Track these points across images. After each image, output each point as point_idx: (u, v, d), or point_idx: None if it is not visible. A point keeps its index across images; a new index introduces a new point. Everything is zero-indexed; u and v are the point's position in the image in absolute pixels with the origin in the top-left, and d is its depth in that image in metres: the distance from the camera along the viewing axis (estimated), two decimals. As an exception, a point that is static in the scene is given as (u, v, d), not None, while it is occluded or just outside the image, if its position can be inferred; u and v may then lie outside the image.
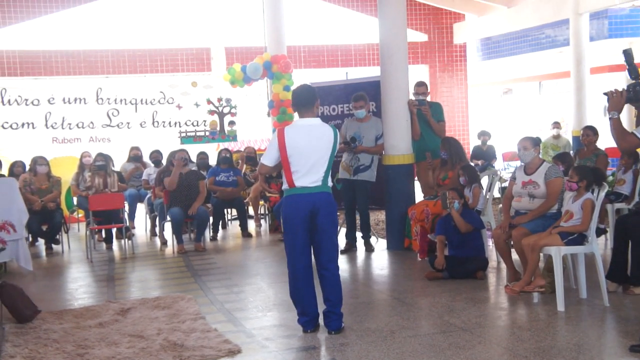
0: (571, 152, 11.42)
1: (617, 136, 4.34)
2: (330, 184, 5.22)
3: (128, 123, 13.54)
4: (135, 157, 11.66)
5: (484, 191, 7.54)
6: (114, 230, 9.85)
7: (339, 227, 5.36)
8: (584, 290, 5.75)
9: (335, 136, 5.19)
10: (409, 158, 8.41)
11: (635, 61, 4.43)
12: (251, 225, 10.86)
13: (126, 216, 9.77)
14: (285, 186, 5.22)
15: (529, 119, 19.26)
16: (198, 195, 9.19)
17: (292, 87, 13.29)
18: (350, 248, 8.50)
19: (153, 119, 13.64)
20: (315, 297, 5.22)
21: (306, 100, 5.18)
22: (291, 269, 5.24)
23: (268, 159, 5.22)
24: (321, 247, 5.16)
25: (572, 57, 13.96)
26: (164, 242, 9.58)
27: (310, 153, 5.08)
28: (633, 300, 5.62)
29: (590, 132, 8.73)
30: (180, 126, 13.64)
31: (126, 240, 9.16)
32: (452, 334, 4.99)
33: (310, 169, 5.10)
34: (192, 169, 9.60)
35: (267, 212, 10.92)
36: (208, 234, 9.91)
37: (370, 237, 8.68)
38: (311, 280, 5.21)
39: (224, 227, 11.02)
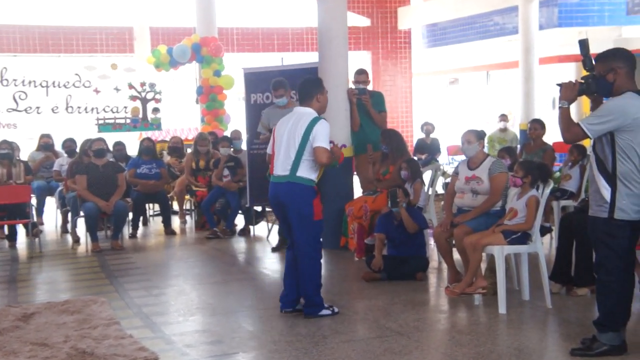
0: (518, 146, 11.71)
1: (563, 127, 4.46)
2: (305, 174, 5.49)
3: (38, 108, 13.14)
4: (45, 145, 11.33)
5: (426, 187, 7.64)
6: (18, 227, 9.54)
7: (302, 220, 5.56)
8: (526, 291, 5.90)
9: (312, 124, 5.47)
10: (347, 151, 8.44)
11: (591, 51, 4.53)
12: (175, 221, 10.73)
13: (34, 211, 9.51)
14: None
15: (475, 111, 19.63)
16: (116, 188, 9.02)
17: (223, 72, 13.22)
18: (282, 245, 8.47)
19: (67, 104, 13.28)
20: (293, 282, 5.67)
21: (306, 91, 5.66)
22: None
23: (268, 147, 5.83)
24: (294, 238, 5.60)
25: (521, 46, 14.30)
26: (77, 240, 9.38)
27: (285, 141, 5.53)
28: (576, 301, 5.79)
29: (538, 126, 8.94)
30: (97, 112, 13.33)
31: (33, 237, 8.89)
32: (388, 339, 5.04)
33: (283, 158, 5.54)
34: (109, 160, 9.40)
35: (193, 208, 10.80)
36: (127, 230, 9.74)
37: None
38: (290, 259, 5.71)
39: (145, 223, 10.87)
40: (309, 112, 5.60)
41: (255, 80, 9.42)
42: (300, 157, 5.48)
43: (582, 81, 4.54)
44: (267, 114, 8.40)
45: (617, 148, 4.33)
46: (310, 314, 5.59)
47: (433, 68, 21.47)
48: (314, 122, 5.49)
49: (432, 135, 13.75)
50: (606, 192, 4.36)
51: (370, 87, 8.94)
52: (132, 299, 6.46)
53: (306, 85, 5.72)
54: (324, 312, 5.63)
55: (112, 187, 9.01)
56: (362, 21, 18.36)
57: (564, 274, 6.01)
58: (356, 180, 8.91)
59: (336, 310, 5.68)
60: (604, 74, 4.43)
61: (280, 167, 5.55)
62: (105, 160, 9.18)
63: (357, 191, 8.81)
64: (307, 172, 5.51)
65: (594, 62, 4.51)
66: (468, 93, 20.64)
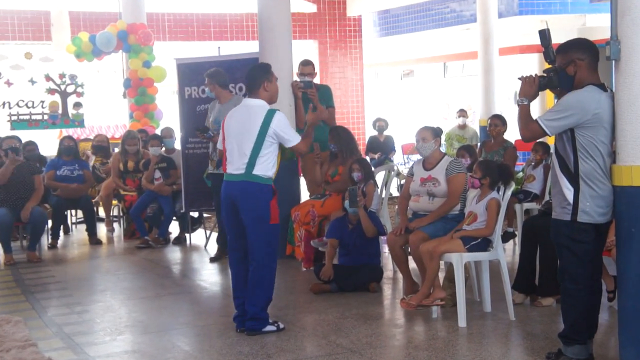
0: (478, 144, 11.90)
1: (521, 124, 4.56)
2: (261, 171, 5.54)
3: (-61, 101, 12.82)
4: (-50, 145, 11.05)
5: (379, 189, 7.70)
6: None
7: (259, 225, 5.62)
8: (488, 302, 6.01)
9: (268, 118, 5.54)
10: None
11: (553, 41, 4.63)
12: (101, 229, 10.62)
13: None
14: None
15: (432, 106, 19.87)
16: (33, 193, 8.86)
17: (153, 63, 13.10)
18: (222, 255, 8.44)
19: (-26, 98, 12.98)
20: (240, 292, 5.68)
21: (252, 79, 5.71)
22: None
23: (219, 142, 5.91)
24: (248, 244, 5.61)
25: (480, 35, 14.50)
26: (-13, 252, 9.19)
27: (238, 137, 5.57)
28: (541, 312, 5.93)
29: (499, 122, 9.11)
30: (10, 107, 13.03)
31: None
32: (338, 357, 5.07)
33: (236, 155, 5.57)
34: (23, 160, 9.23)
35: (121, 214, 10.69)
36: (45, 240, 9.59)
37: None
38: (240, 273, 5.72)
39: (67, 232, 10.75)
40: (259, 105, 5.64)
41: (190, 72, 9.37)
42: (256, 154, 5.52)
43: (544, 74, 4.63)
44: (210, 109, 8.39)
45: (579, 146, 4.41)
46: (253, 330, 5.59)
47: (386, 59, 21.65)
48: (269, 115, 5.55)
49: (385, 133, 13.90)
50: (569, 193, 4.45)
51: (317, 80, 8.97)
52: (52, 317, 6.37)
53: (252, 73, 5.77)
54: (269, 327, 5.63)
55: (28, 192, 8.85)
56: (308, 7, 18.40)
57: (527, 283, 6.14)
58: (302, 182, 8.93)
59: (282, 326, 5.69)
60: (564, 67, 4.54)
61: (234, 165, 5.59)
62: (20, 161, 9.00)
63: (304, 195, 8.83)
64: (263, 169, 5.55)
65: (555, 54, 4.61)
66: (424, 86, 20.86)
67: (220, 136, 5.86)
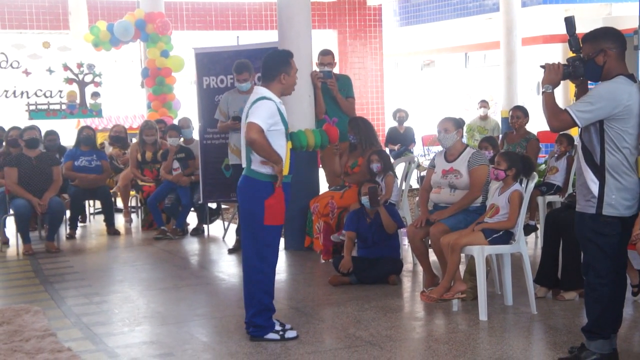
0: (500, 135, 11.86)
1: (549, 113, 4.50)
2: (257, 167, 5.22)
3: (-42, 91, 12.95)
4: (-31, 134, 11.16)
5: (399, 181, 7.70)
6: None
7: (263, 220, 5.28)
8: (509, 296, 5.99)
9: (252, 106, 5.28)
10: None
11: (577, 31, 4.59)
12: (119, 220, 10.68)
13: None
14: None
15: (453, 97, 19.81)
16: (51, 183, 8.93)
17: (171, 53, 13.15)
18: (240, 247, 8.47)
19: (-8, 87, 13.10)
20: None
21: (269, 68, 5.36)
22: None
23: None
24: (241, 242, 5.53)
25: (502, 25, 14.46)
26: (6, 242, 9.30)
27: (242, 128, 5.29)
28: (563, 307, 5.90)
29: (520, 114, 9.02)
30: (28, 97, 13.15)
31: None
32: (358, 350, 5.08)
33: (243, 148, 5.36)
34: (42, 151, 9.31)
35: (139, 205, 10.74)
36: (64, 230, 9.66)
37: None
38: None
39: (84, 222, 10.78)
40: (259, 93, 5.28)
41: (208, 62, 9.38)
42: (249, 149, 5.26)
43: (568, 63, 4.59)
44: (225, 99, 8.40)
45: (607, 138, 4.38)
46: (254, 336, 5.31)
47: (406, 49, 21.60)
48: (253, 103, 5.22)
49: (405, 124, 13.86)
50: (594, 185, 4.42)
51: (336, 70, 8.97)
52: (70, 307, 6.41)
53: (270, 61, 5.36)
54: (271, 335, 5.26)
55: (47, 182, 8.92)
56: (328, -4, 18.41)
57: (550, 277, 6.12)
58: (321, 173, 8.95)
59: (290, 335, 5.29)
60: (592, 56, 4.49)
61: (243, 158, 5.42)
62: (39, 152, 9.08)
63: (323, 186, 8.84)
64: (259, 164, 5.21)
65: (580, 43, 4.57)
66: (445, 77, 20.81)
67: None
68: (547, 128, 4.64)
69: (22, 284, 7.42)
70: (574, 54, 4.60)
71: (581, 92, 4.72)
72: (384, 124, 17.84)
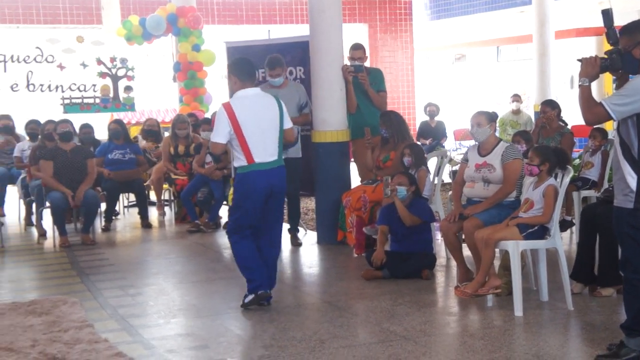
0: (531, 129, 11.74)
1: (584, 106, 4.46)
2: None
3: (-6, 86, 13.09)
4: (5, 128, 11.29)
5: (431, 175, 7.67)
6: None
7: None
8: (545, 292, 5.94)
9: (280, 106, 5.99)
10: (343, 135, 8.46)
11: (615, 23, 4.54)
12: (153, 213, 10.74)
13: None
14: (240, 163, 5.85)
15: (484, 91, 19.69)
16: (86, 176, 9.01)
17: (203, 47, 13.19)
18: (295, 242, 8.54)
19: (27, 81, 13.21)
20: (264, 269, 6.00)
21: (250, 69, 6.02)
22: (239, 251, 6.04)
23: (220, 137, 5.86)
24: (272, 228, 6.06)
25: (535, 18, 14.32)
26: (43, 234, 9.39)
27: (261, 125, 5.83)
28: (600, 303, 5.84)
29: (548, 108, 8.79)
30: (63, 91, 13.25)
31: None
32: (392, 344, 5.07)
33: (265, 143, 5.84)
34: (77, 144, 9.39)
35: (172, 198, 10.81)
36: (99, 223, 9.74)
37: (297, 229, 8.71)
38: (259, 258, 5.99)
39: (119, 215, 10.86)
40: (266, 95, 6.09)
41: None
42: (282, 142, 6.01)
43: (606, 56, 4.55)
44: None
45: (644, 131, 4.34)
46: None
47: (437, 42, 21.48)
48: (280, 103, 6.09)
49: (436, 118, 13.79)
50: (632, 180, 4.37)
51: (367, 64, 8.93)
52: (106, 299, 6.48)
53: (246, 64, 6.15)
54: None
55: (82, 175, 9.00)
56: (358, -10, 18.36)
57: (586, 273, 6.06)
58: (353, 167, 8.93)
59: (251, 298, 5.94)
60: (629, 49, 4.44)
61: (266, 153, 5.87)
62: (73, 145, 9.17)
63: (355, 180, 8.83)
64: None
65: (618, 35, 4.51)
66: (476, 70, 20.68)
67: (241, 124, 5.85)
68: (581, 122, 4.61)
69: (59, 275, 7.52)
70: (612, 47, 4.55)
71: (621, 84, 4.68)
72: (415, 118, 17.78)
